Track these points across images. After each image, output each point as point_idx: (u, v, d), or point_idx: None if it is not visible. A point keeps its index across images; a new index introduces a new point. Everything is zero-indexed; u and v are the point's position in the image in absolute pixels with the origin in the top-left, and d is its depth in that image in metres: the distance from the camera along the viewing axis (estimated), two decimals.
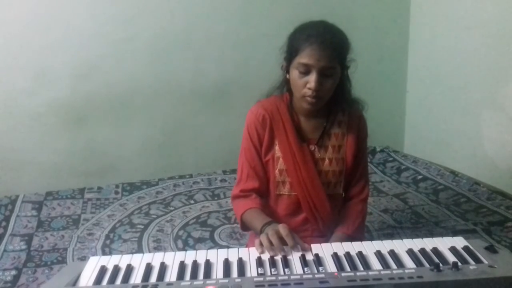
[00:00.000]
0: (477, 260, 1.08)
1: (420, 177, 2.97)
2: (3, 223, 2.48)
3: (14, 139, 2.73)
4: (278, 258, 1.13)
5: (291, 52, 1.37)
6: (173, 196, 2.79)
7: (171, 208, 2.65)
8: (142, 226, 2.45)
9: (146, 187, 2.90)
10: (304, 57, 1.32)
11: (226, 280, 1.00)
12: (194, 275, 1.06)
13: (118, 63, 2.79)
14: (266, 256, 1.13)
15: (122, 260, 1.13)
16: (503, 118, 2.64)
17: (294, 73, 1.36)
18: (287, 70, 1.41)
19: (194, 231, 2.40)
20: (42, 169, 2.82)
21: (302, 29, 1.38)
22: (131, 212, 2.60)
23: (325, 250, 1.16)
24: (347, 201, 1.56)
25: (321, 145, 1.48)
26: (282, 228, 1.20)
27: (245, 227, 1.49)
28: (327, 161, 1.48)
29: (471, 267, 1.01)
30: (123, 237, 2.35)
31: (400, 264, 1.08)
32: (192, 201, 2.73)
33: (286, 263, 1.09)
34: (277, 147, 1.47)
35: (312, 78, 1.32)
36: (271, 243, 1.17)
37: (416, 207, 2.58)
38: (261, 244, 1.17)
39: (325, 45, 1.31)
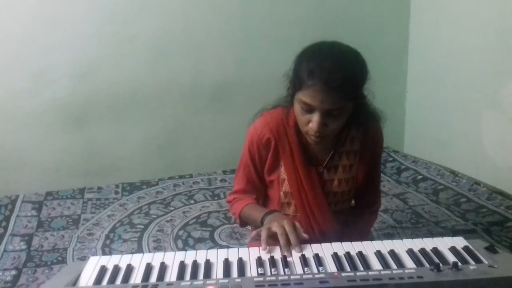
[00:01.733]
0: (477, 260, 1.08)
1: (420, 177, 2.97)
2: (3, 223, 2.48)
3: (14, 139, 2.73)
4: (278, 258, 1.12)
5: (295, 84, 1.22)
6: (173, 196, 2.79)
7: (171, 208, 2.65)
8: (142, 226, 2.45)
9: (146, 187, 2.90)
10: (306, 96, 1.17)
11: (226, 280, 1.00)
12: (194, 275, 1.06)
13: (118, 63, 2.79)
14: (266, 256, 1.13)
15: (122, 260, 1.13)
16: (503, 118, 2.64)
17: (297, 107, 1.23)
18: (292, 97, 1.26)
19: (194, 231, 2.40)
20: (42, 169, 2.82)
21: (307, 58, 1.20)
22: (131, 212, 2.60)
23: (325, 250, 1.16)
24: (357, 210, 1.50)
25: (330, 166, 1.38)
26: (287, 225, 1.17)
27: (243, 223, 1.45)
28: (336, 182, 1.39)
29: (471, 267, 1.01)
30: (123, 237, 2.35)
31: (400, 264, 1.08)
32: (192, 201, 2.73)
33: (286, 263, 1.09)
34: (282, 169, 1.37)
35: (315, 119, 1.19)
36: (273, 235, 1.15)
37: (416, 207, 2.58)
38: (258, 236, 1.16)
39: (330, 85, 1.13)
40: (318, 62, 1.16)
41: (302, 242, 1.16)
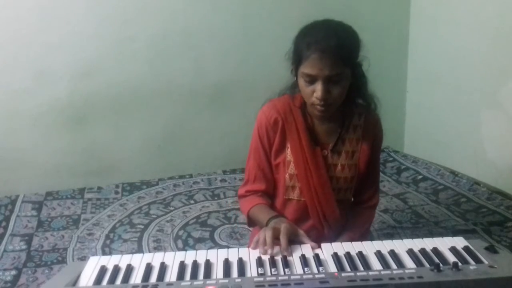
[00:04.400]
0: (477, 260, 1.08)
1: (420, 177, 2.97)
2: (3, 223, 2.48)
3: (14, 139, 2.73)
4: (279, 258, 1.13)
5: (295, 60, 1.32)
6: (173, 196, 2.79)
7: (171, 208, 2.65)
8: (142, 226, 2.45)
9: (146, 187, 2.90)
10: (307, 67, 1.26)
11: (226, 280, 1.00)
12: (194, 275, 1.06)
13: (118, 63, 2.79)
14: (266, 256, 1.13)
15: (122, 260, 1.13)
16: (503, 118, 2.64)
17: (301, 82, 1.31)
18: (295, 75, 1.35)
19: (194, 231, 2.40)
20: (42, 169, 2.81)
21: (303, 35, 1.31)
22: (131, 212, 2.60)
23: (325, 250, 1.16)
24: (356, 206, 1.52)
25: (335, 151, 1.42)
26: (283, 228, 1.18)
27: (251, 223, 1.47)
28: (339, 167, 1.43)
29: (471, 267, 1.01)
30: (123, 237, 2.35)
31: (400, 264, 1.08)
32: (192, 201, 2.73)
33: (286, 263, 1.09)
34: (288, 151, 1.41)
35: (318, 87, 1.26)
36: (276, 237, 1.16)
37: (416, 207, 2.58)
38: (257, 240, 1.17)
39: (327, 52, 1.23)
40: (313, 35, 1.27)
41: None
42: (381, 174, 3.00)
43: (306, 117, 1.41)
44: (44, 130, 2.77)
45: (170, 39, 2.84)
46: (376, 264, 1.09)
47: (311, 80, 1.27)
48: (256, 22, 2.92)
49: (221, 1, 2.86)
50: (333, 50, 1.23)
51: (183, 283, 0.99)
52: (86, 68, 2.74)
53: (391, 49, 3.20)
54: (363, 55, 1.37)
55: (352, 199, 1.53)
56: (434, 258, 1.10)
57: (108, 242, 2.31)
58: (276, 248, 1.15)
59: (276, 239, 1.16)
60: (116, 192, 2.84)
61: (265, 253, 1.13)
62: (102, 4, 2.68)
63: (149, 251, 2.21)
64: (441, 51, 2.99)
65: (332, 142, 1.42)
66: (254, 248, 1.16)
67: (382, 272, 1.00)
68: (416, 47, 3.19)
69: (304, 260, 1.11)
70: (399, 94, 3.31)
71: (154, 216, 2.56)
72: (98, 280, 1.06)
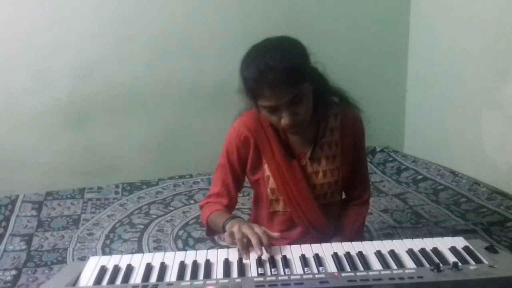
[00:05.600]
0: (478, 260, 1.08)
1: (420, 177, 2.97)
2: (3, 223, 2.48)
3: (14, 139, 2.74)
4: (279, 258, 1.13)
5: (249, 95, 1.26)
6: (173, 196, 2.79)
7: (171, 208, 2.65)
8: (142, 226, 2.45)
9: (146, 187, 2.90)
10: (264, 101, 1.21)
11: (226, 280, 1.00)
12: (194, 275, 1.06)
13: (118, 63, 2.79)
14: (266, 256, 1.13)
15: (122, 260, 1.13)
16: (503, 118, 2.64)
17: (263, 112, 1.26)
18: (255, 106, 1.28)
19: (194, 231, 2.40)
20: (42, 169, 2.82)
21: (247, 68, 1.22)
22: (131, 212, 2.60)
23: (325, 250, 1.16)
24: (347, 203, 1.51)
25: (313, 158, 1.38)
26: (257, 227, 1.18)
27: (210, 230, 1.42)
28: (321, 174, 1.39)
29: (471, 267, 1.01)
30: (123, 237, 2.35)
31: (400, 264, 1.08)
32: (192, 201, 2.73)
33: (286, 263, 1.09)
34: (266, 166, 1.38)
35: (283, 115, 1.21)
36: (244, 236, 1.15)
37: (416, 207, 2.58)
38: (231, 237, 1.17)
39: (278, 82, 1.16)
40: (256, 67, 1.19)
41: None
42: (381, 174, 3.03)
43: (278, 131, 1.36)
44: (44, 130, 2.77)
45: (170, 39, 2.84)
46: (376, 264, 1.09)
47: (273, 109, 1.22)
48: (256, 22, 2.92)
49: (221, 1, 2.86)
50: (283, 77, 1.17)
51: (183, 283, 0.99)
52: (86, 68, 2.74)
53: (391, 49, 3.20)
54: (312, 53, 1.29)
55: (343, 197, 1.52)
56: (434, 258, 1.10)
57: (108, 242, 2.31)
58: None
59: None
60: (116, 192, 2.84)
61: (261, 254, 1.12)
62: (102, 4, 2.68)
63: (149, 251, 2.21)
64: (441, 51, 2.98)
65: (309, 150, 1.38)
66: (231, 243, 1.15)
67: (382, 272, 1.00)
68: (416, 47, 3.19)
69: (304, 260, 1.11)
70: (399, 94, 3.31)
71: (154, 216, 2.56)
72: (98, 280, 1.06)
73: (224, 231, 1.27)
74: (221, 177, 1.43)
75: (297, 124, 1.24)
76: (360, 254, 1.12)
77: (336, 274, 1.00)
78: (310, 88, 1.25)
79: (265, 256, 1.12)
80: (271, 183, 1.39)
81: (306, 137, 1.38)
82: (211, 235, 1.50)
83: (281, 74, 1.17)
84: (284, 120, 1.22)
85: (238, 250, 1.15)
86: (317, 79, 1.30)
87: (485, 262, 1.07)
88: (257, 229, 1.17)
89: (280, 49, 1.22)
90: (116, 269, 1.10)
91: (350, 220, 1.47)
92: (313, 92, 1.26)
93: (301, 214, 1.40)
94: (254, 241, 1.13)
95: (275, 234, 1.20)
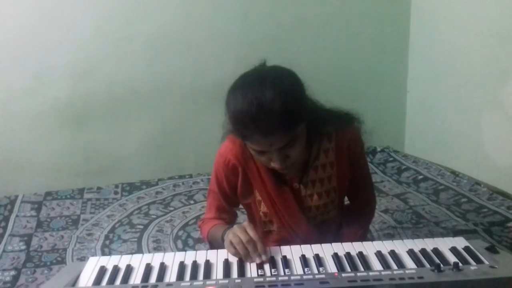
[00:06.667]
0: (478, 261, 1.08)
1: (420, 177, 2.97)
2: (2, 223, 2.48)
3: (14, 139, 2.73)
4: (278, 258, 1.12)
5: (237, 134, 1.16)
6: (172, 196, 2.79)
7: (171, 208, 2.64)
8: (141, 227, 2.45)
9: (145, 187, 2.89)
10: (254, 145, 1.12)
11: (226, 281, 1.00)
12: (194, 276, 1.06)
13: (118, 63, 2.78)
14: (264, 258, 1.12)
15: (121, 261, 1.13)
16: (503, 118, 2.63)
17: (252, 151, 1.16)
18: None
19: (194, 231, 2.40)
20: (42, 169, 2.81)
21: (235, 108, 1.10)
22: (130, 213, 2.60)
23: (325, 250, 1.15)
24: (352, 211, 1.47)
25: (307, 182, 1.30)
26: (251, 230, 1.14)
27: (213, 246, 1.36)
28: (315, 196, 1.32)
29: (472, 268, 1.01)
30: (123, 238, 2.34)
31: (400, 264, 1.08)
32: (192, 201, 2.73)
33: (286, 264, 1.09)
34: (256, 191, 1.32)
35: (273, 159, 1.12)
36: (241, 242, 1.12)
37: (417, 207, 2.58)
38: (231, 246, 1.13)
39: (270, 128, 1.05)
40: (246, 111, 1.06)
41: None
42: (381, 174, 3.03)
43: None
44: (44, 130, 2.76)
45: (169, 39, 2.83)
46: (376, 265, 1.09)
47: (262, 152, 1.13)
48: (256, 22, 2.92)
49: (221, 1, 2.86)
50: (277, 123, 1.05)
51: (182, 284, 0.99)
52: (86, 68, 2.74)
53: (391, 49, 3.20)
54: (305, 86, 1.16)
55: (347, 204, 1.49)
56: (435, 259, 1.09)
57: (107, 242, 2.31)
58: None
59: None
60: (116, 192, 2.83)
61: (260, 260, 1.10)
62: (102, 4, 2.68)
63: (149, 252, 2.20)
64: (441, 51, 2.98)
65: (301, 173, 1.30)
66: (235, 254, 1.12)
67: (383, 273, 1.00)
68: (416, 47, 3.19)
69: (304, 261, 1.10)
70: (399, 94, 3.31)
71: (154, 217, 2.55)
72: (98, 280, 1.06)
73: (223, 241, 1.23)
74: (214, 203, 1.40)
75: (289, 166, 1.16)
76: (361, 255, 1.12)
77: (336, 274, 1.00)
78: (304, 128, 1.15)
79: (259, 260, 1.10)
80: (263, 207, 1.35)
81: (298, 167, 1.29)
82: (214, 248, 1.48)
83: (275, 120, 1.04)
84: (275, 164, 1.14)
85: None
86: (311, 111, 1.18)
87: (486, 262, 1.07)
88: (251, 232, 1.14)
89: (275, 88, 1.07)
90: (116, 269, 1.09)
91: (352, 230, 1.43)
92: (307, 125, 1.16)
93: (295, 236, 1.36)
94: (250, 249, 1.11)
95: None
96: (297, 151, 1.14)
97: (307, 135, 1.18)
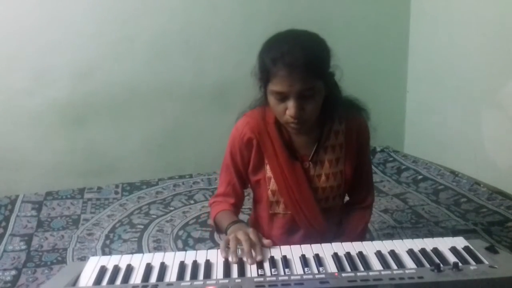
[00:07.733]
0: (478, 261, 1.08)
1: (420, 177, 2.97)
2: (3, 223, 2.48)
3: (14, 139, 2.73)
4: (279, 258, 1.12)
5: (262, 78, 1.24)
6: (173, 196, 2.79)
7: (171, 208, 2.64)
8: (142, 226, 2.45)
9: (146, 187, 2.89)
10: (275, 85, 1.18)
11: (226, 281, 1.00)
12: (194, 275, 1.05)
13: (118, 63, 2.79)
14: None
15: (122, 260, 1.13)
16: (503, 118, 2.64)
17: (271, 99, 1.23)
18: (264, 93, 1.27)
19: (194, 231, 2.40)
20: (42, 169, 2.81)
21: (267, 49, 1.23)
22: (131, 212, 2.60)
23: (325, 250, 1.15)
24: (350, 207, 1.49)
25: (316, 161, 1.36)
26: (252, 233, 1.17)
27: (217, 229, 1.43)
28: (323, 177, 1.37)
29: (471, 268, 1.01)
30: (123, 237, 2.35)
31: (400, 264, 1.08)
32: (192, 201, 2.73)
33: (286, 263, 1.09)
34: (268, 167, 1.36)
35: (290, 105, 1.19)
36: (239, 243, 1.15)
37: (416, 207, 2.58)
38: (226, 242, 1.16)
39: (295, 67, 1.15)
40: (278, 48, 1.19)
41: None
42: (381, 174, 3.03)
43: (282, 131, 1.34)
44: (44, 130, 2.76)
45: (170, 39, 2.83)
46: (376, 264, 1.09)
47: (282, 97, 1.20)
48: (256, 22, 2.92)
49: (221, 1, 2.86)
50: (302, 63, 1.15)
51: (183, 283, 0.99)
52: (86, 68, 2.74)
53: (391, 49, 3.20)
54: (335, 64, 1.27)
55: (346, 201, 1.50)
56: (435, 258, 1.10)
57: (108, 242, 2.31)
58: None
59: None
60: (116, 192, 2.84)
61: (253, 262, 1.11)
62: (102, 4, 2.68)
63: (149, 251, 2.21)
64: (441, 51, 2.98)
65: (311, 151, 1.36)
66: (225, 256, 1.13)
67: (382, 272, 1.00)
68: (416, 47, 3.19)
69: (304, 260, 1.10)
70: (399, 94, 3.31)
71: (154, 216, 2.55)
72: (98, 280, 1.06)
73: (226, 234, 1.27)
74: (227, 177, 1.44)
75: (301, 120, 1.22)
76: (360, 254, 1.12)
77: (336, 274, 1.00)
78: (323, 89, 1.23)
79: (252, 262, 1.10)
80: (272, 184, 1.38)
81: (309, 139, 1.36)
82: (220, 233, 1.50)
83: (301, 61, 1.15)
84: (290, 111, 1.19)
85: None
86: (331, 85, 1.28)
87: (486, 262, 1.07)
88: (252, 235, 1.16)
89: (307, 39, 1.22)
90: (116, 269, 1.09)
91: (352, 225, 1.46)
92: (324, 97, 1.25)
93: (302, 216, 1.39)
94: (246, 248, 1.12)
95: (266, 241, 1.18)
96: (312, 107, 1.21)
97: (320, 113, 1.27)
